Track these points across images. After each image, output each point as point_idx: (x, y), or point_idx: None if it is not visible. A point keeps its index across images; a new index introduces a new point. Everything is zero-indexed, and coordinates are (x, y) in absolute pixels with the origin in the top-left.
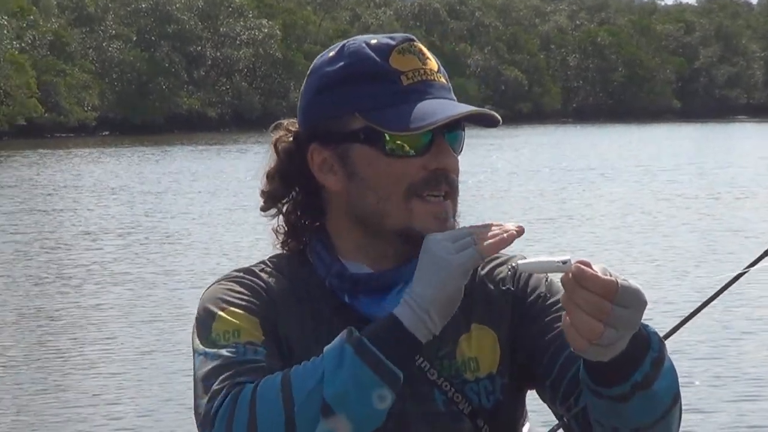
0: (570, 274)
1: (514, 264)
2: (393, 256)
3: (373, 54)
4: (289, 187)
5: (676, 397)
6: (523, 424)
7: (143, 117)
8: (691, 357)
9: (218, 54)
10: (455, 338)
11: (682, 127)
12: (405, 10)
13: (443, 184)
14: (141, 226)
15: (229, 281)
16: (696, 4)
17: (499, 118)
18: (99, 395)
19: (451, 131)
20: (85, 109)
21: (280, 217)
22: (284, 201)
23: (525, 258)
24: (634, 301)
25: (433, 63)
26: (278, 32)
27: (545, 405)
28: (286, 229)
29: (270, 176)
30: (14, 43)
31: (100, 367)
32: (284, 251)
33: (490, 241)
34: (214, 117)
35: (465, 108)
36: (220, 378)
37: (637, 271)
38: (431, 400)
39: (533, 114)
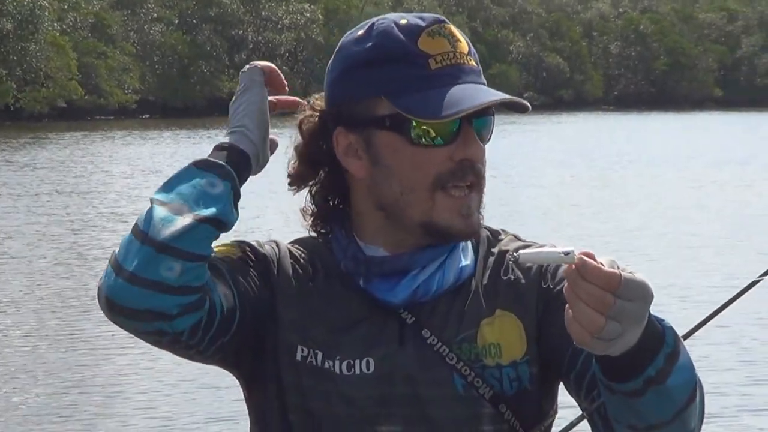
0: (573, 266)
1: (516, 254)
2: (411, 244)
3: (401, 35)
4: (315, 169)
5: (694, 394)
6: (553, 415)
7: (184, 100)
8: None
9: (260, 38)
10: (476, 322)
11: (723, 115)
12: None
13: (469, 175)
14: None
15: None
16: None
17: (529, 105)
18: (122, 377)
19: (479, 117)
20: (126, 91)
21: (309, 198)
22: (312, 183)
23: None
24: (638, 294)
25: (463, 45)
26: (320, 17)
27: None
28: (313, 210)
29: (297, 157)
30: (55, 24)
31: (124, 348)
32: (312, 233)
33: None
34: None
35: (495, 96)
36: None
37: (661, 258)
38: (450, 384)
39: (574, 101)
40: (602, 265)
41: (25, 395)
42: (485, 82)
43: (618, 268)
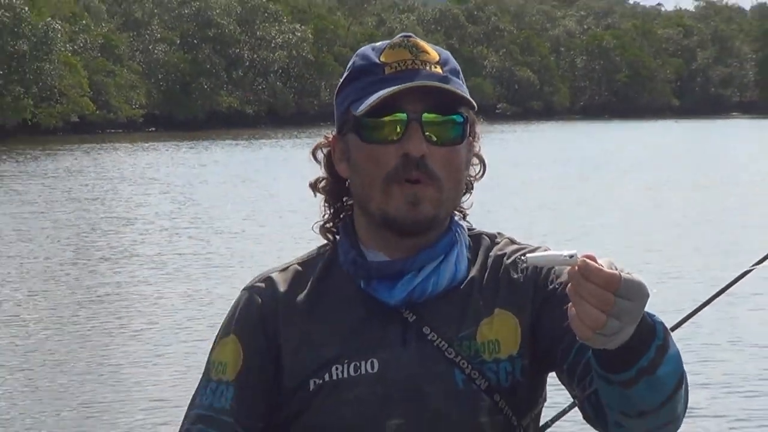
0: (576, 267)
1: (522, 257)
2: (396, 245)
3: (371, 53)
4: (336, 181)
5: (680, 382)
6: (543, 403)
7: (186, 114)
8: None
9: (255, 56)
10: (477, 322)
11: (681, 123)
12: (427, 15)
13: (413, 170)
14: (177, 213)
15: (247, 293)
16: (694, 10)
17: (464, 94)
18: (133, 364)
19: (435, 117)
20: (133, 107)
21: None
22: (334, 191)
23: (547, 250)
24: (636, 293)
25: (431, 56)
26: (310, 36)
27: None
28: (325, 217)
29: (317, 182)
30: (68, 45)
31: (135, 335)
32: (326, 236)
33: None
34: (251, 114)
35: (413, 83)
36: None
37: (617, 253)
38: (451, 379)
39: (544, 111)
40: (602, 266)
41: (38, 383)
42: (454, 86)
43: (616, 268)
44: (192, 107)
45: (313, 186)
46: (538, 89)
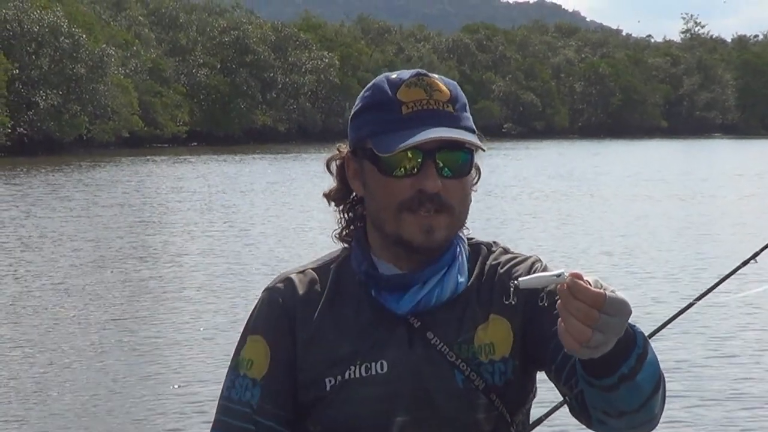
0: (565, 286)
1: (516, 282)
2: (407, 259)
3: (387, 87)
4: (348, 192)
5: (658, 386)
6: (532, 399)
7: (225, 131)
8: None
9: (287, 79)
10: (474, 327)
11: (668, 142)
12: (441, 44)
13: (426, 203)
14: (203, 217)
15: (269, 293)
16: (680, 41)
17: (477, 143)
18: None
19: (447, 153)
20: (177, 124)
21: (339, 215)
22: (347, 201)
23: (537, 261)
24: (619, 310)
25: (442, 94)
26: (337, 62)
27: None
28: (342, 225)
29: (331, 192)
30: (120, 69)
31: (154, 330)
32: (342, 243)
33: None
34: (283, 131)
35: (435, 134)
36: None
37: (603, 261)
38: (451, 378)
39: (546, 131)
40: (589, 284)
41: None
42: (464, 124)
43: (601, 287)
44: (230, 125)
45: (328, 196)
46: (540, 111)
